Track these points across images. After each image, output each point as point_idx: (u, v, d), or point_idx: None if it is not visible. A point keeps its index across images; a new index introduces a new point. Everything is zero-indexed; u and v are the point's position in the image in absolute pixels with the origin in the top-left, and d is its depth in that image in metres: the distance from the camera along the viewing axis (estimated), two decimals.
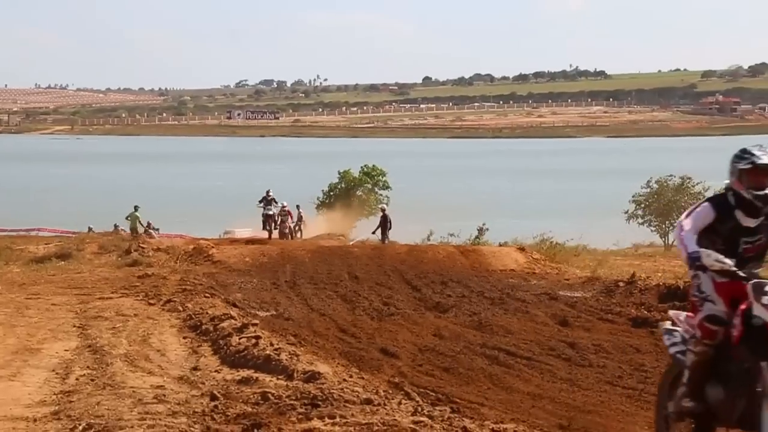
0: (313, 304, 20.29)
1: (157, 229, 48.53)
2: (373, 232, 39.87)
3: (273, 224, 41.29)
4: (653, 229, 59.21)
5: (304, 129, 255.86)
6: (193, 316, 16.79)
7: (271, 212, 42.31)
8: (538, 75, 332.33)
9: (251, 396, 10.51)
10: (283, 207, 42.09)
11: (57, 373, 12.32)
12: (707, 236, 7.70)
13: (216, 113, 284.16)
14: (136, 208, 43.90)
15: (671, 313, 8.77)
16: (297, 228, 45.42)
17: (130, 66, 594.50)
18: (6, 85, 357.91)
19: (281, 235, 41.76)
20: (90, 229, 46.92)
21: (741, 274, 7.39)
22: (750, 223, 7.70)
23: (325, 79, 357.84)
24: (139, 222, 43.38)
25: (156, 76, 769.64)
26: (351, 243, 40.02)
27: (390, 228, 38.84)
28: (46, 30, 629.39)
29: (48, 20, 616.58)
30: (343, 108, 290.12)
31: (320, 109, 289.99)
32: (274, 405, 10.08)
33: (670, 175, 59.15)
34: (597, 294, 21.38)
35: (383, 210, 40.72)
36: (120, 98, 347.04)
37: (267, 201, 41.41)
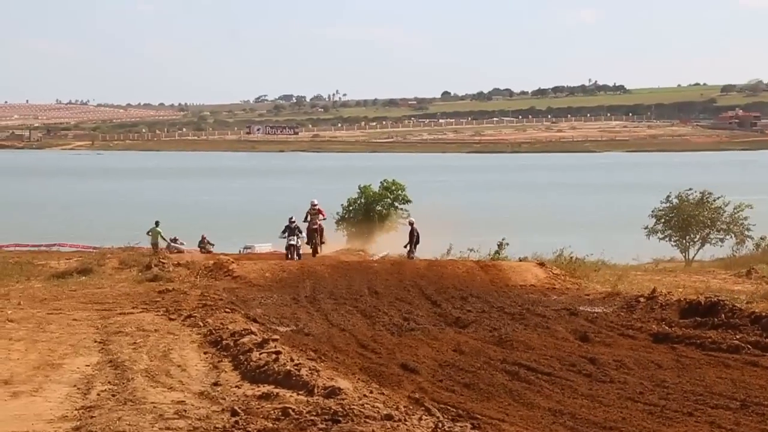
0: (333, 319, 20.27)
1: (213, 244, 48.90)
2: (405, 246, 39.70)
3: (296, 253, 37.83)
4: (674, 244, 58.93)
5: (323, 144, 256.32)
6: (214, 331, 16.81)
7: (294, 242, 39.02)
8: (557, 89, 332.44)
9: (272, 412, 10.51)
10: (314, 205, 38.13)
11: (78, 389, 12.36)
12: None
13: (236, 128, 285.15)
14: (157, 223, 43.99)
15: None
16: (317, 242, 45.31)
17: (150, 81, 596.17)
18: (27, 101, 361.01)
19: (309, 233, 38.03)
20: (175, 243, 47.07)
21: None
22: None
23: (344, 94, 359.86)
24: (161, 237, 43.47)
25: (176, 91, 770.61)
26: (379, 257, 39.80)
27: (418, 242, 38.68)
28: (67, 45, 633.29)
29: (69, 36, 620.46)
30: (362, 123, 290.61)
31: (339, 124, 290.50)
32: (294, 421, 10.09)
33: (690, 190, 58.90)
34: (617, 309, 21.31)
35: (411, 224, 40.45)
36: (140, 113, 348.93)
37: (290, 230, 37.92)
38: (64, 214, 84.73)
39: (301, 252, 36.68)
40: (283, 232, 37.17)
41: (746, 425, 11.15)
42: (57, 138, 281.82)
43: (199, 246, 48.49)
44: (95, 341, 16.39)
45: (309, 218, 37.30)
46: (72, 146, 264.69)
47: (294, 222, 37.12)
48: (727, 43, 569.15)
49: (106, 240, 42.54)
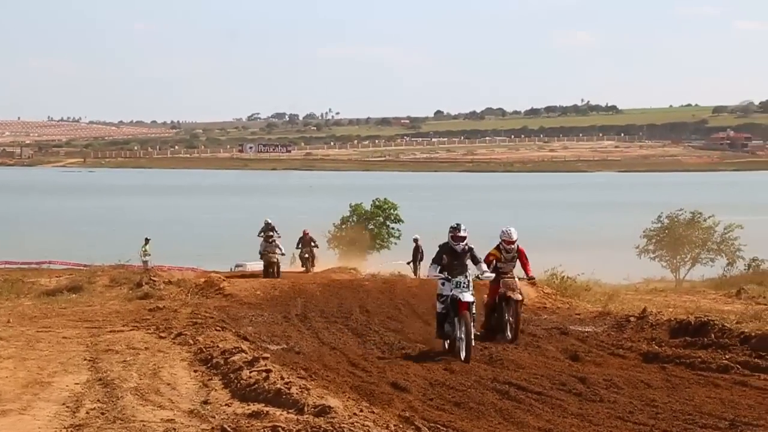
0: (324, 337, 20.27)
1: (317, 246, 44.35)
2: (408, 263, 39.68)
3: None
4: (664, 264, 59.16)
5: (315, 162, 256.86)
6: (204, 349, 16.77)
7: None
8: (549, 109, 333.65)
9: (262, 430, 10.49)
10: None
11: (67, 407, 12.32)
12: None
13: (228, 146, 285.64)
14: (146, 240, 43.99)
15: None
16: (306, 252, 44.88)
17: (142, 99, 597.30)
18: (19, 118, 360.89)
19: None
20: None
21: None
22: None
23: (337, 113, 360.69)
24: (146, 253, 43.42)
25: (168, 109, 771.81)
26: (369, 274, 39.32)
27: (422, 259, 38.65)
28: (60, 63, 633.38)
29: (62, 53, 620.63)
30: (355, 141, 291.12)
31: (332, 143, 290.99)
32: None
33: (681, 210, 59.17)
34: (608, 329, 21.32)
35: (416, 240, 40.49)
36: (132, 131, 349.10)
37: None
38: (54, 231, 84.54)
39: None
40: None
41: None
42: (48, 155, 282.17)
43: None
44: (85, 359, 16.34)
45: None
46: (64, 163, 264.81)
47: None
48: (719, 65, 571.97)
49: (96, 257, 42.41)
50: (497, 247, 19.97)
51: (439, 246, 18.01)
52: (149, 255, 43.49)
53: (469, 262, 17.74)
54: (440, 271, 17.64)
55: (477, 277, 17.84)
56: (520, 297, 19.99)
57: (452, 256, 17.66)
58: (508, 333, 19.47)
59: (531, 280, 21.10)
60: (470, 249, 17.81)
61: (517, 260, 20.09)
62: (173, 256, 49.97)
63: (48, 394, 13.23)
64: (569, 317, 23.97)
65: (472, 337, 16.96)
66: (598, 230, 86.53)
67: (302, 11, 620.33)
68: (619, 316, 22.64)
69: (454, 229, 17.79)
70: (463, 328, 16.95)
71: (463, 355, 16.77)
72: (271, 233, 36.64)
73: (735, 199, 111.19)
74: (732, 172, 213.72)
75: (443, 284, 17.65)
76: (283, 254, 37.81)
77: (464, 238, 17.70)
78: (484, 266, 18.19)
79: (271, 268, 36.11)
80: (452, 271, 17.55)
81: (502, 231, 20.04)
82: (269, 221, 37.45)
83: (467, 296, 17.30)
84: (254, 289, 28.52)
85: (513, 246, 19.93)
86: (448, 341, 17.70)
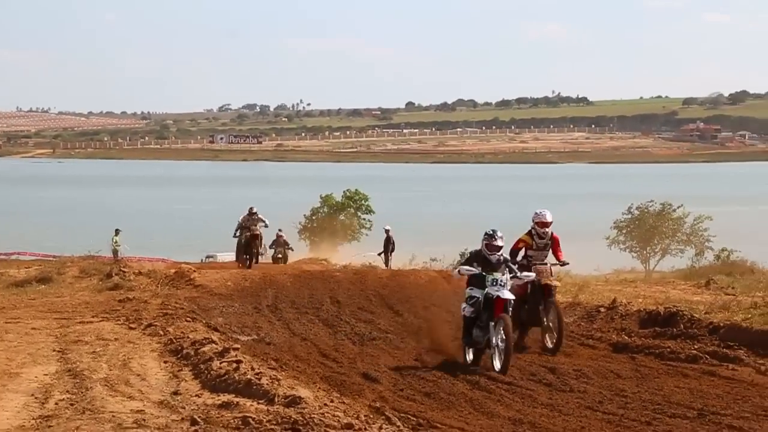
0: (294, 328, 20.26)
1: (291, 249, 43.72)
2: (380, 254, 39.67)
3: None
4: (634, 254, 59.46)
5: (286, 153, 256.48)
6: (174, 340, 16.70)
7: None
8: (520, 101, 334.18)
9: (232, 420, 10.46)
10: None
11: (36, 398, 12.23)
12: None
13: (199, 137, 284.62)
14: (117, 231, 43.78)
15: None
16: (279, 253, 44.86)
17: (112, 89, 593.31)
18: None
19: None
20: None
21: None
22: None
23: (308, 104, 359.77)
24: (116, 244, 43.21)
25: (138, 99, 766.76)
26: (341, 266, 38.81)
27: (393, 250, 38.65)
28: (29, 53, 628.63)
29: (30, 44, 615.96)
30: (326, 132, 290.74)
31: (303, 134, 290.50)
32: (254, 429, 10.05)
33: (651, 201, 59.47)
34: (578, 319, 21.38)
35: (387, 231, 40.55)
36: (102, 122, 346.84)
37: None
38: (23, 221, 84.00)
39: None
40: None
41: None
42: (17, 146, 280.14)
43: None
44: (54, 350, 16.24)
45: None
46: (32, 154, 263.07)
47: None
48: (689, 57, 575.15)
49: (66, 248, 42.12)
50: (528, 233, 17.99)
51: (470, 253, 16.37)
52: (120, 246, 43.29)
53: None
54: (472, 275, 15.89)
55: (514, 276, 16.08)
56: (557, 283, 18.31)
57: (485, 266, 15.80)
58: (548, 341, 17.40)
59: (564, 265, 18.70)
60: (506, 260, 16.08)
61: (550, 249, 18.11)
62: (144, 247, 49.76)
63: (16, 385, 13.14)
64: None
65: (512, 344, 15.00)
66: (568, 221, 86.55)
67: (273, 3, 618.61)
68: (589, 307, 22.70)
69: (490, 237, 15.88)
70: (501, 334, 14.85)
71: (498, 364, 14.80)
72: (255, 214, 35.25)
73: (704, 190, 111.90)
74: (701, 164, 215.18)
75: (473, 289, 15.93)
76: (266, 226, 36.01)
77: (501, 247, 15.91)
78: (518, 272, 16.26)
79: (253, 246, 34.88)
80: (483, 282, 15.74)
81: (536, 213, 18.10)
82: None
83: (506, 293, 15.39)
84: (225, 280, 28.43)
85: (547, 230, 17.94)
86: (473, 351, 15.79)
